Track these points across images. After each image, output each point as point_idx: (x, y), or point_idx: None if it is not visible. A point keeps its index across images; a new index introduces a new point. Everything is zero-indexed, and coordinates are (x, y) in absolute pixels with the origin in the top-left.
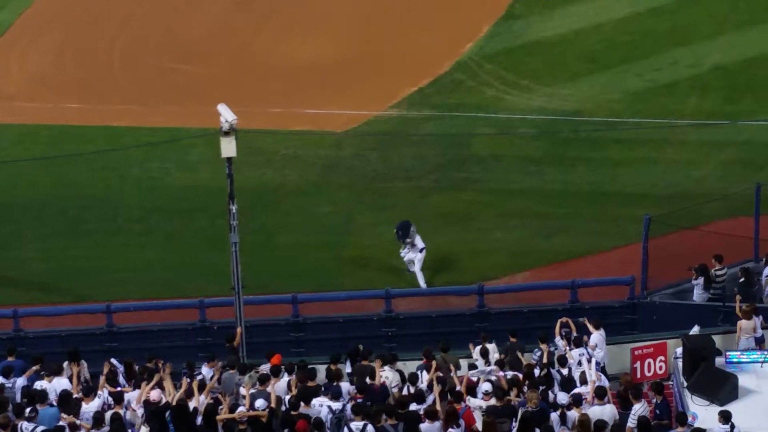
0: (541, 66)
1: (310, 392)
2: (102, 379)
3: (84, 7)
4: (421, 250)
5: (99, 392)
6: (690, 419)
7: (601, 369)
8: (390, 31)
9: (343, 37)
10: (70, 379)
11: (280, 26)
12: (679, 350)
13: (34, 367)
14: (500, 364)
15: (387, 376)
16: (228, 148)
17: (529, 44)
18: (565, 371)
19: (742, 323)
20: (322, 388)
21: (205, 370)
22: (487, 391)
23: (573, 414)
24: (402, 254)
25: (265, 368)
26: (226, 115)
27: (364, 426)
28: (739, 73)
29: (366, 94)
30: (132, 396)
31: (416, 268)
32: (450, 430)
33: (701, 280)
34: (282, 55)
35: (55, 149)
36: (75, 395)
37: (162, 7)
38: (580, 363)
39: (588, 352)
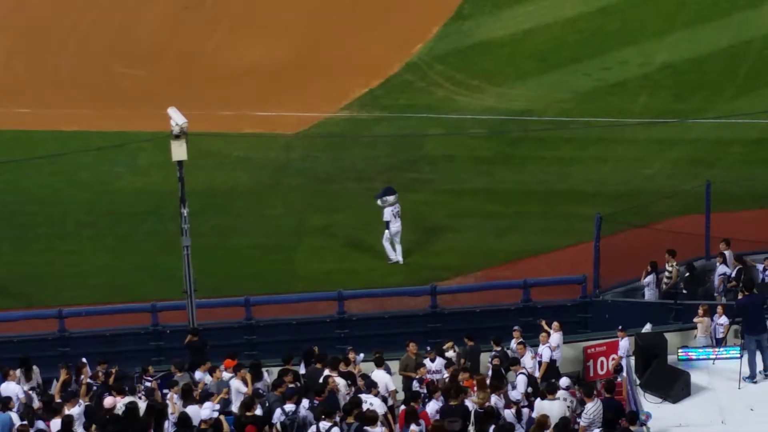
0: (490, 66)
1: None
2: (57, 385)
3: (31, 13)
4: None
5: (80, 400)
6: (644, 418)
7: (555, 368)
8: (339, 32)
9: (292, 39)
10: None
11: (229, 29)
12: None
13: None
14: (449, 364)
15: (338, 382)
16: (178, 151)
17: (478, 44)
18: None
19: (705, 320)
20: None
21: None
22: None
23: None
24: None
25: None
26: (177, 119)
27: (330, 427)
28: (688, 71)
29: (316, 96)
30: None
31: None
32: (412, 427)
33: (651, 278)
34: (231, 57)
35: (5, 154)
36: (57, 400)
37: (109, 12)
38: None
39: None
